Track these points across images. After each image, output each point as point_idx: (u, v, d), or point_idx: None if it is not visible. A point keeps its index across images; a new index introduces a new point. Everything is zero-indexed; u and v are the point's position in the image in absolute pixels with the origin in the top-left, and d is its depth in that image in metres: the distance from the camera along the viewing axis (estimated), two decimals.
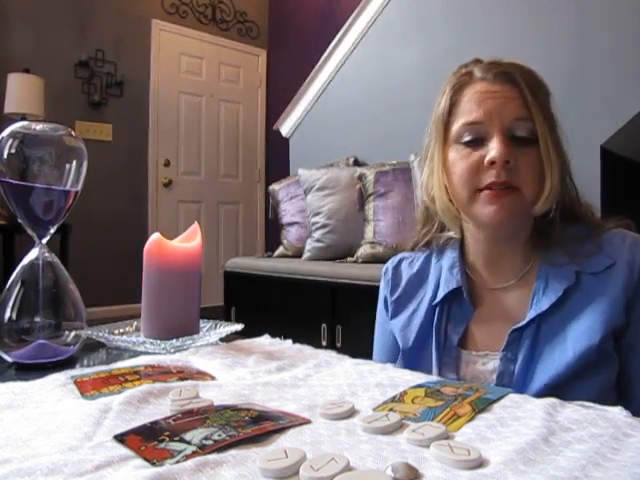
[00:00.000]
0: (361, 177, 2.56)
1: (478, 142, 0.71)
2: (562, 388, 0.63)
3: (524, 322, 0.70)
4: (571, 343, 0.66)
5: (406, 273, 0.85)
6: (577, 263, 0.70)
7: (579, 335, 0.66)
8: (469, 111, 0.72)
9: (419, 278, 0.83)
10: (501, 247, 0.76)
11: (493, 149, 0.68)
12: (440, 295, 0.77)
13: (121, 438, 0.41)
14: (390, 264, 0.88)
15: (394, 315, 0.83)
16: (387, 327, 0.85)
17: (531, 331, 0.69)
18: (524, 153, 0.69)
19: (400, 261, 0.87)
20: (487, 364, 0.72)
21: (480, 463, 0.37)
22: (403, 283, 0.84)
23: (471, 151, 0.71)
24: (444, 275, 0.79)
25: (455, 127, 0.73)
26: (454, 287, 0.76)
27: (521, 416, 0.46)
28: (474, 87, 0.73)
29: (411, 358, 0.78)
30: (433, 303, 0.78)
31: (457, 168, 0.72)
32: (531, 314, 0.69)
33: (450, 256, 0.80)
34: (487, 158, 0.69)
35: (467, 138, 0.71)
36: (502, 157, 0.67)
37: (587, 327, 0.66)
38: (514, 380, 0.68)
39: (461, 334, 0.75)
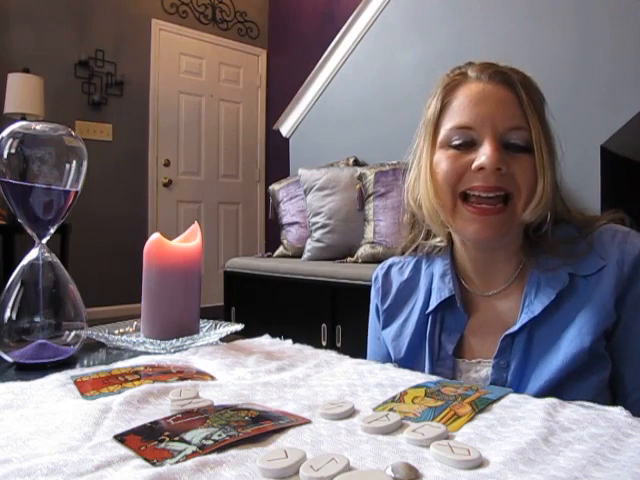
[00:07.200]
0: (361, 177, 2.56)
1: (468, 146, 0.67)
2: (555, 392, 0.62)
3: (516, 328, 0.68)
4: (563, 348, 0.65)
5: (396, 280, 0.83)
6: (570, 265, 0.68)
7: (571, 339, 0.65)
8: (461, 113, 0.68)
9: (409, 286, 0.81)
10: (492, 255, 0.74)
11: (484, 155, 0.65)
12: (433, 304, 0.76)
13: (121, 438, 0.41)
14: (380, 270, 0.86)
15: (385, 325, 0.82)
16: (379, 336, 0.83)
17: (523, 337, 0.68)
18: (518, 160, 0.66)
19: (390, 267, 0.85)
20: (480, 371, 0.71)
21: (480, 463, 0.37)
22: (393, 291, 0.83)
23: (460, 154, 0.68)
24: (436, 283, 0.77)
25: (444, 129, 0.70)
26: (447, 296, 0.75)
27: (521, 416, 0.46)
28: (468, 87, 0.69)
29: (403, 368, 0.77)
30: (426, 312, 0.76)
31: (441, 169, 0.69)
32: (523, 319, 0.68)
33: (442, 263, 0.78)
34: (476, 163, 0.65)
35: (456, 142, 0.68)
36: (493, 164, 0.64)
37: (578, 331, 0.65)
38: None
39: (456, 343, 0.73)
